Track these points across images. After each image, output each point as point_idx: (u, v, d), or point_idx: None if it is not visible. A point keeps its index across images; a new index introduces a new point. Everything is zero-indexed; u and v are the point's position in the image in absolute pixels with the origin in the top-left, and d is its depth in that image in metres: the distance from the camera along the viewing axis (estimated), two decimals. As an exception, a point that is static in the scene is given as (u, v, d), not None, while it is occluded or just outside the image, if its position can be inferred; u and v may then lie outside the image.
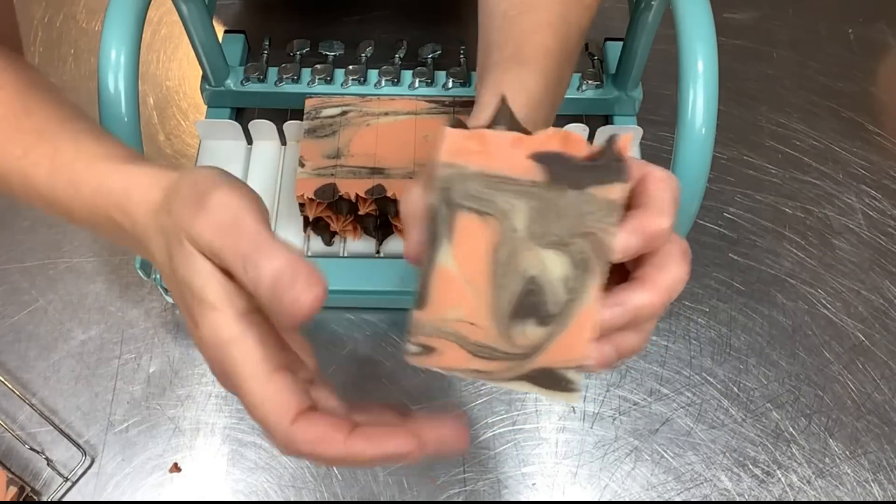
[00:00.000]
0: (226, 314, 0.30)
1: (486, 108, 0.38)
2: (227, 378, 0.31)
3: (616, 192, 0.29)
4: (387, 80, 0.67)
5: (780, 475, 0.56)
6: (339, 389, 0.35)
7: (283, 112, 0.68)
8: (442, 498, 0.55)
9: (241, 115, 0.71)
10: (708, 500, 0.55)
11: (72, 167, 0.36)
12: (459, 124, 0.30)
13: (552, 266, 0.29)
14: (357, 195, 0.56)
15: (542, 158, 0.29)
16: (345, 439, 0.30)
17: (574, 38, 0.44)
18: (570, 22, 0.43)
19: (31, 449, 0.55)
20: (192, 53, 0.65)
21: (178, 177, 0.33)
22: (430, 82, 0.67)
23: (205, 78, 0.68)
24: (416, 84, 0.67)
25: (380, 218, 0.59)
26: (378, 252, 0.60)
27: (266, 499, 0.54)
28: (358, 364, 0.59)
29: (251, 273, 0.29)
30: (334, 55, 0.70)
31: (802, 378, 0.59)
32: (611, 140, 0.30)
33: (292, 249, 0.30)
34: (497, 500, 0.55)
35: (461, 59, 0.70)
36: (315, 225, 0.60)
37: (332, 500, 0.54)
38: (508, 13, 0.43)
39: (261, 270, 0.29)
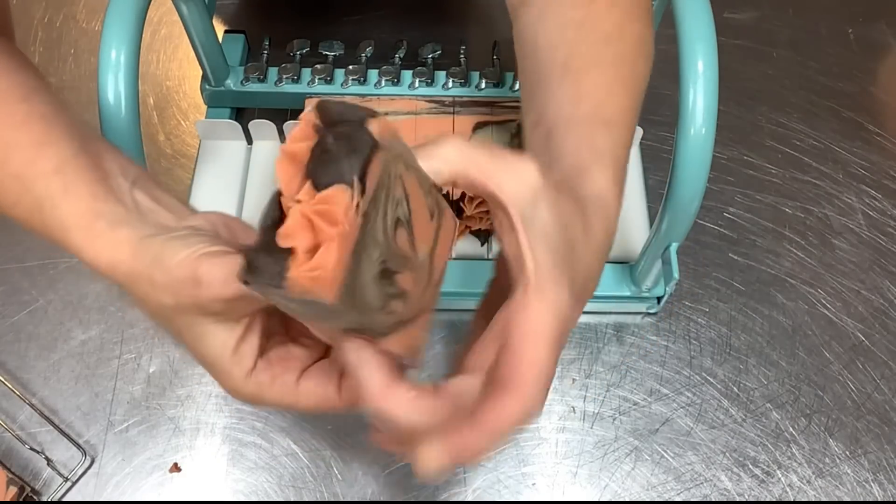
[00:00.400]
0: (245, 376, 0.34)
1: (567, 157, 0.37)
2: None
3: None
4: (387, 80, 0.67)
5: (780, 475, 0.56)
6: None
7: (283, 112, 0.68)
8: (442, 498, 0.55)
9: (241, 115, 0.71)
10: (708, 500, 0.55)
11: (53, 232, 0.36)
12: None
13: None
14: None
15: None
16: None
17: (642, 91, 0.43)
18: (638, 74, 0.42)
19: (31, 449, 0.55)
20: (192, 53, 0.65)
21: (137, 258, 0.33)
22: (430, 82, 0.67)
23: (205, 78, 0.68)
24: (416, 84, 0.67)
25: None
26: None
27: (266, 499, 0.55)
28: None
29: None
30: (334, 55, 0.70)
31: (802, 378, 0.59)
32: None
33: None
34: (497, 500, 0.55)
35: (461, 59, 0.70)
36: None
37: (332, 500, 0.54)
38: (571, 64, 0.41)
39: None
